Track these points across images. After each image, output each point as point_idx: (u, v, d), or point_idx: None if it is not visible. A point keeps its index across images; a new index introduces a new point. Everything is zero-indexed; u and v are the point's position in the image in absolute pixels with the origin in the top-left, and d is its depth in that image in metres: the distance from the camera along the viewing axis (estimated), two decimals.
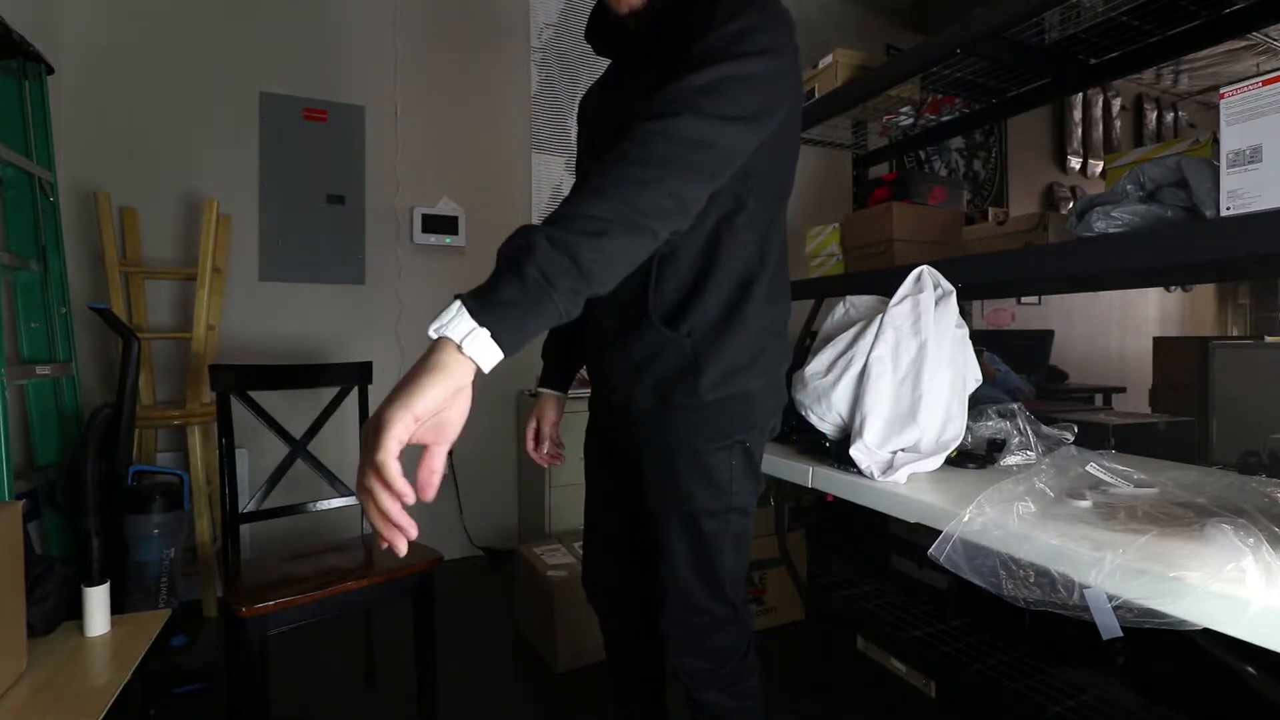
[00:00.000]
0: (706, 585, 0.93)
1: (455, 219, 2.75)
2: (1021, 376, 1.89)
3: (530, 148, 2.94)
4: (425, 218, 2.71)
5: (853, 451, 1.09)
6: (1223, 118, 0.94)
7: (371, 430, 0.54)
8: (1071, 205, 4.23)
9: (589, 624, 1.57)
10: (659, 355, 0.89)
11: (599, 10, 0.95)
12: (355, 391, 1.75)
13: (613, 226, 0.61)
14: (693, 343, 0.87)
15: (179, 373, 2.34)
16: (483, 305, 0.56)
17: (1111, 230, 1.16)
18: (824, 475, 1.17)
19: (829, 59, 1.96)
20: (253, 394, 1.62)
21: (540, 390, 1.20)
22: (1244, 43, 3.92)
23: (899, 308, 1.13)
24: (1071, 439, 1.14)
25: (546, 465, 1.26)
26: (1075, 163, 4.71)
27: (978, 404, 1.22)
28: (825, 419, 1.18)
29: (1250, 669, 1.02)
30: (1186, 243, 1.02)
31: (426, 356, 0.56)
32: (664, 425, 0.92)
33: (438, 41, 2.79)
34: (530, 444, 1.20)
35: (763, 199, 0.88)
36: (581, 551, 1.23)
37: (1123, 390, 3.65)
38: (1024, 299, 4.37)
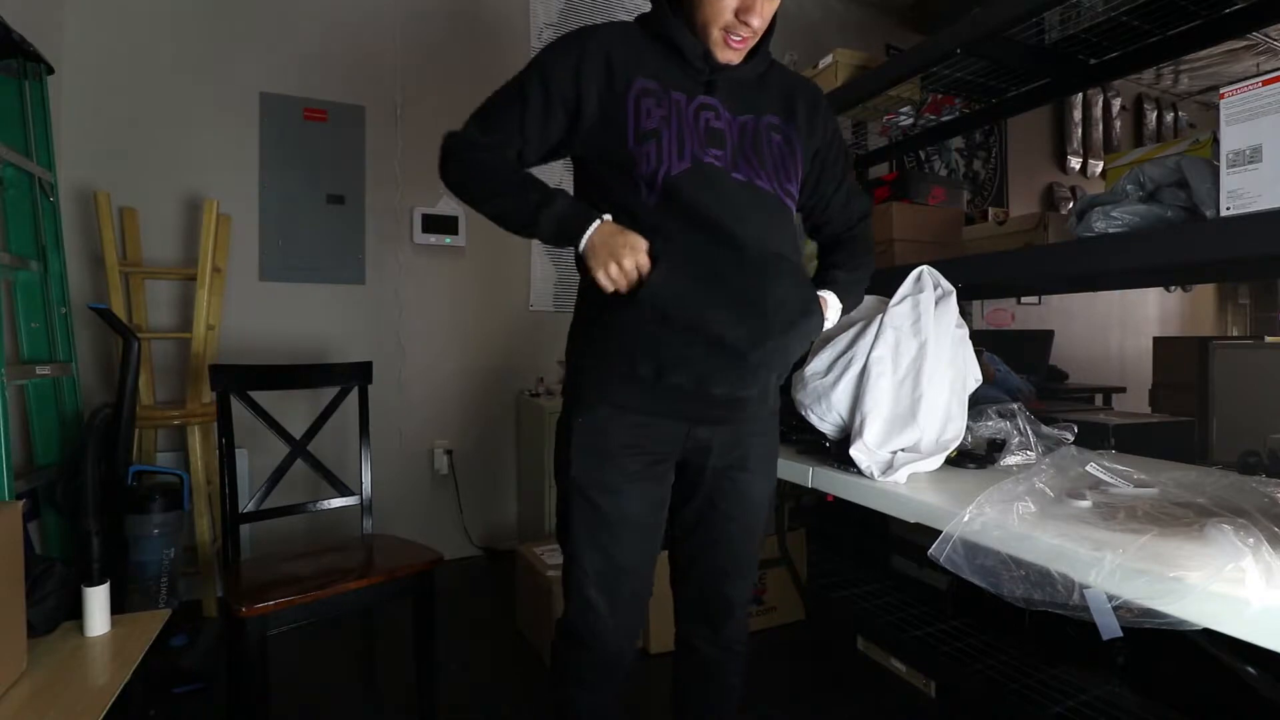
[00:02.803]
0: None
1: (455, 219, 2.75)
2: (1021, 376, 1.89)
3: None
4: (425, 218, 2.71)
5: (853, 451, 1.09)
6: (1223, 118, 0.94)
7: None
8: (1071, 205, 4.23)
9: None
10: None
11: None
12: (355, 391, 1.75)
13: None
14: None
15: (179, 373, 2.34)
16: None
17: (1111, 230, 1.16)
18: (824, 475, 1.17)
19: (829, 59, 1.96)
20: (253, 394, 1.62)
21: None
22: (1244, 43, 3.92)
23: (899, 308, 1.13)
24: (1071, 439, 1.14)
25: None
26: (1075, 163, 4.71)
27: (978, 404, 1.22)
28: (825, 419, 1.18)
29: (1250, 669, 1.02)
30: (1186, 243, 1.03)
31: None
32: (773, 412, 1.09)
33: (438, 41, 2.79)
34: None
35: None
36: (595, 599, 0.98)
37: (1123, 390, 3.65)
38: (1024, 299, 4.37)
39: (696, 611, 1.10)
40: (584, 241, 0.91)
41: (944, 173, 4.10)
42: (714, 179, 0.93)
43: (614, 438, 0.96)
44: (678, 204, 0.91)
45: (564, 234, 0.93)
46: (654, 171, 0.91)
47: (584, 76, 0.93)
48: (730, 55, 0.96)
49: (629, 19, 1.02)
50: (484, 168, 0.96)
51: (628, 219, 0.93)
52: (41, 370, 1.81)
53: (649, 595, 1.03)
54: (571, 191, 1.04)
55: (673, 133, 0.92)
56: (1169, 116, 5.11)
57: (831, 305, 1.05)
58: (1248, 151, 0.91)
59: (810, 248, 2.14)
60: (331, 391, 1.73)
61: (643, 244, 0.89)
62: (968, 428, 1.16)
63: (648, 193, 0.93)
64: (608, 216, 0.92)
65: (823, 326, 1.03)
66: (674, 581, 1.13)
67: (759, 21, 0.92)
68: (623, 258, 0.88)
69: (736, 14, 0.91)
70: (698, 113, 0.95)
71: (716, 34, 0.93)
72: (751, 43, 0.96)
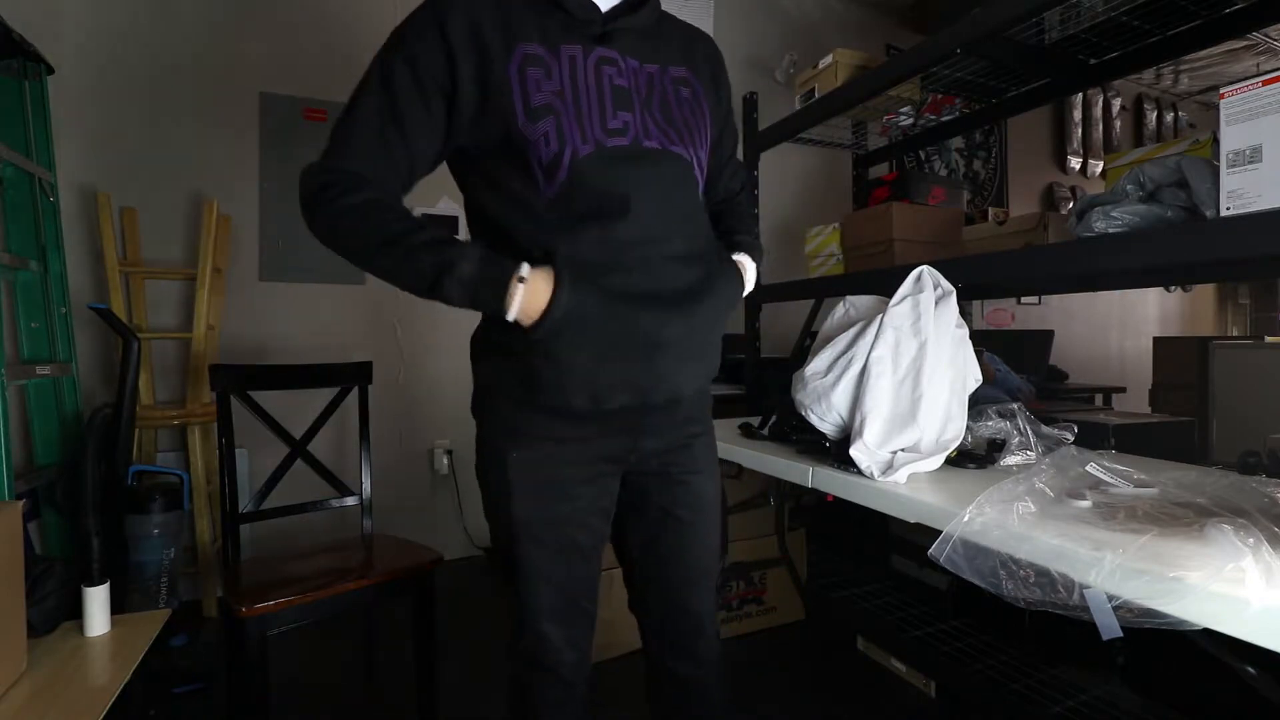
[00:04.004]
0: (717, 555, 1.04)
1: (455, 219, 2.75)
2: (1021, 376, 1.89)
3: None
4: (425, 218, 2.71)
5: (853, 451, 1.09)
6: (1223, 118, 0.94)
7: None
8: (1071, 205, 4.23)
9: None
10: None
11: None
12: (355, 391, 1.75)
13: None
14: None
15: (179, 373, 2.34)
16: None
17: (1111, 230, 1.16)
18: (824, 475, 1.17)
19: (829, 59, 1.96)
20: (253, 394, 1.62)
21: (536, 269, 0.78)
22: (1244, 43, 3.92)
23: (899, 308, 1.13)
24: (1071, 439, 1.14)
25: None
26: (1075, 163, 4.71)
27: (978, 404, 1.22)
28: (825, 419, 1.18)
29: (1250, 669, 1.02)
30: (1186, 243, 1.03)
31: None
32: (708, 409, 1.03)
33: None
34: None
35: None
36: (550, 633, 0.90)
37: (1123, 390, 3.65)
38: (1024, 299, 4.37)
39: (666, 634, 1.00)
40: (512, 313, 0.75)
41: (944, 173, 4.10)
42: (632, 155, 0.81)
43: (558, 469, 0.86)
44: (581, 194, 0.79)
45: (479, 303, 0.77)
46: (556, 156, 0.77)
47: (455, 52, 0.77)
48: None
49: None
50: (354, 220, 0.77)
51: (522, 215, 0.81)
52: (41, 370, 1.81)
53: (596, 610, 0.95)
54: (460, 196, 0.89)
55: (569, 104, 0.78)
56: (1169, 116, 5.11)
57: (749, 268, 0.97)
58: (1248, 151, 0.91)
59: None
60: (331, 392, 1.73)
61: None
62: (968, 428, 1.16)
63: (546, 184, 0.79)
64: (526, 270, 0.75)
65: (742, 293, 0.95)
66: (634, 603, 1.03)
67: None
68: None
69: None
70: (598, 68, 0.81)
71: None
72: None
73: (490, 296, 0.75)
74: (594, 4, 0.84)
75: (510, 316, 0.76)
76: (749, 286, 0.98)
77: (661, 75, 0.88)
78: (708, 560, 1.00)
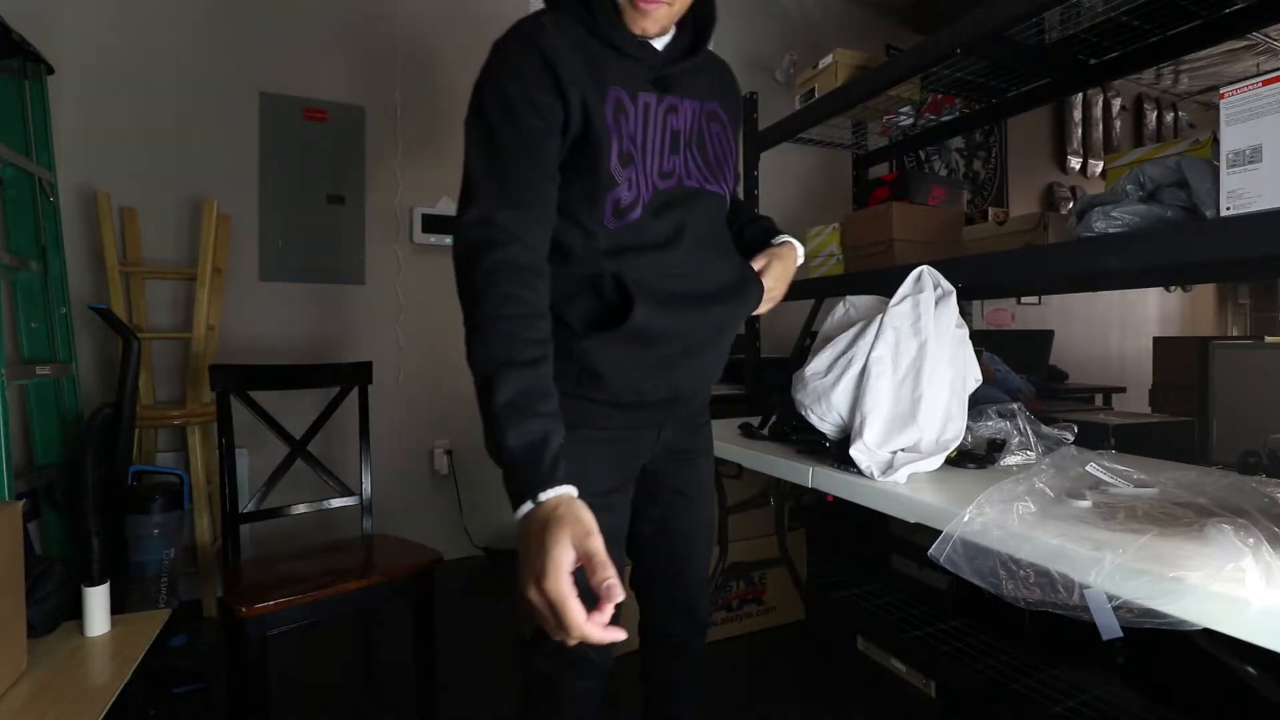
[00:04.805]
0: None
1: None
2: (1021, 376, 1.89)
3: None
4: (425, 218, 2.71)
5: (853, 451, 1.09)
6: (1223, 118, 0.94)
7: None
8: (1071, 205, 4.23)
9: None
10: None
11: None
12: (355, 391, 1.75)
13: None
14: None
15: (179, 373, 2.34)
16: None
17: (1111, 230, 1.16)
18: (824, 475, 1.17)
19: (829, 59, 1.96)
20: (253, 394, 1.62)
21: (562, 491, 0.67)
22: (1244, 43, 3.92)
23: (899, 308, 1.13)
24: (1071, 439, 1.14)
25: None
26: (1075, 163, 4.71)
27: (978, 404, 1.22)
28: (825, 419, 1.18)
29: (1250, 669, 1.02)
30: (1186, 243, 1.02)
31: None
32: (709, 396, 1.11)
33: (438, 41, 2.79)
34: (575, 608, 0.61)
35: None
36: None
37: (1123, 390, 3.65)
38: (1024, 299, 4.37)
39: (671, 599, 1.10)
40: (517, 517, 0.68)
41: (944, 173, 4.10)
42: (677, 198, 0.88)
43: (595, 457, 0.90)
44: (640, 231, 0.84)
45: (505, 479, 0.70)
46: (633, 201, 0.83)
47: (565, 91, 0.79)
48: (644, 23, 0.82)
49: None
50: (494, 328, 0.74)
51: (582, 237, 0.83)
52: (41, 370, 1.81)
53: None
54: None
55: (640, 151, 0.84)
56: (1169, 116, 5.11)
57: (798, 245, 1.06)
58: (1248, 151, 0.91)
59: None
60: (331, 391, 1.73)
61: (563, 572, 0.61)
62: (968, 428, 1.16)
63: (614, 219, 0.83)
64: (552, 495, 0.66)
65: (760, 296, 0.98)
66: (636, 578, 1.09)
67: None
68: (542, 585, 0.61)
69: None
70: (665, 116, 0.87)
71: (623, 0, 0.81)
72: (664, 10, 0.82)
73: (512, 489, 0.69)
74: (653, 47, 0.87)
75: (516, 519, 0.68)
76: (801, 259, 1.07)
77: (701, 111, 0.92)
78: (709, 533, 1.13)
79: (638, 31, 0.83)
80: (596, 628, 0.60)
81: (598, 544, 0.62)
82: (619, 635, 0.61)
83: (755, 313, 0.99)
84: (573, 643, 0.61)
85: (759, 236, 1.07)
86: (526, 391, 0.70)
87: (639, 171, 0.84)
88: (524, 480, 0.67)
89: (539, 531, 0.64)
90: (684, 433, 1.03)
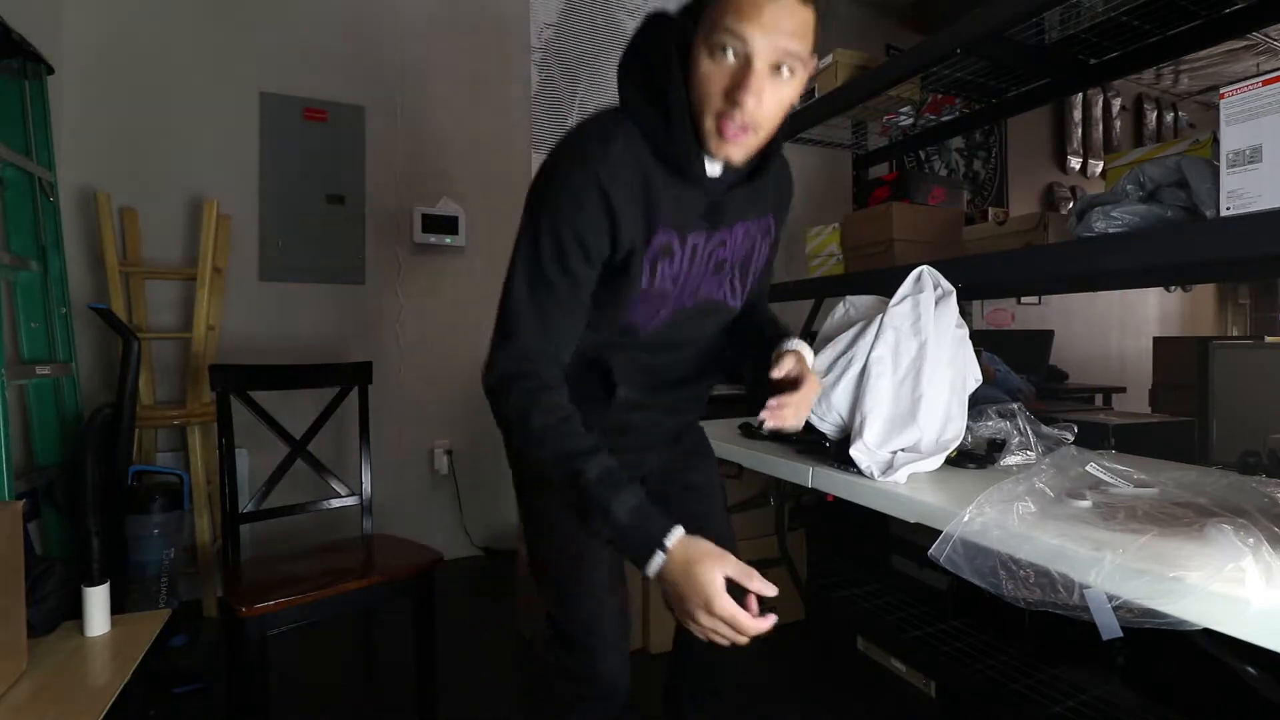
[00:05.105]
0: None
1: (455, 219, 2.75)
2: (1021, 376, 1.89)
3: (530, 148, 2.94)
4: (425, 218, 2.71)
5: (853, 451, 1.09)
6: (1223, 118, 0.94)
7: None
8: (1071, 205, 4.23)
9: None
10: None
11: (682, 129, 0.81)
12: (355, 391, 1.75)
13: None
14: None
15: (179, 373, 2.34)
16: None
17: (1111, 230, 1.16)
18: (824, 475, 1.17)
19: (829, 59, 1.96)
20: (253, 394, 1.62)
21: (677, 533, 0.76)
22: (1244, 43, 3.92)
23: (899, 308, 1.13)
24: (1071, 439, 1.14)
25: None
26: (1075, 163, 4.71)
27: (978, 404, 1.22)
28: (825, 419, 1.18)
29: (1250, 669, 1.02)
30: (1186, 243, 1.03)
31: None
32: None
33: (438, 41, 2.79)
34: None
35: None
36: (594, 634, 0.94)
37: (1123, 390, 3.65)
38: (1024, 299, 4.37)
39: None
40: (652, 574, 0.75)
41: (944, 173, 4.10)
42: (694, 314, 0.91)
43: None
44: (648, 337, 0.90)
45: (622, 546, 0.77)
46: (648, 322, 0.88)
47: (617, 230, 0.80)
48: (729, 150, 0.78)
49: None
50: (539, 443, 0.79)
51: (593, 330, 0.87)
52: (41, 370, 1.81)
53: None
54: None
55: (679, 287, 0.86)
56: (1169, 116, 5.11)
57: (807, 350, 0.96)
58: (1248, 151, 0.91)
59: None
60: (331, 391, 1.73)
61: (723, 593, 0.72)
62: (968, 428, 1.16)
63: (624, 326, 0.88)
64: (673, 540, 0.74)
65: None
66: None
67: (754, 102, 0.73)
68: (713, 609, 0.72)
69: (726, 94, 0.74)
70: (712, 252, 0.88)
71: (710, 123, 0.77)
72: (752, 138, 0.77)
73: (635, 553, 0.76)
74: (713, 176, 0.84)
75: (649, 574, 0.76)
76: (810, 361, 0.98)
77: (755, 230, 0.93)
78: (722, 533, 1.08)
79: (720, 158, 0.80)
80: (761, 623, 0.73)
81: (734, 561, 0.74)
82: (771, 620, 0.74)
83: (775, 426, 0.90)
84: (744, 641, 0.73)
85: (774, 341, 0.99)
86: (605, 470, 0.76)
87: (667, 302, 0.87)
88: (645, 539, 0.75)
89: (684, 570, 0.73)
90: (670, 456, 1.07)
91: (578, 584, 0.94)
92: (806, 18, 0.76)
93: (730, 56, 0.74)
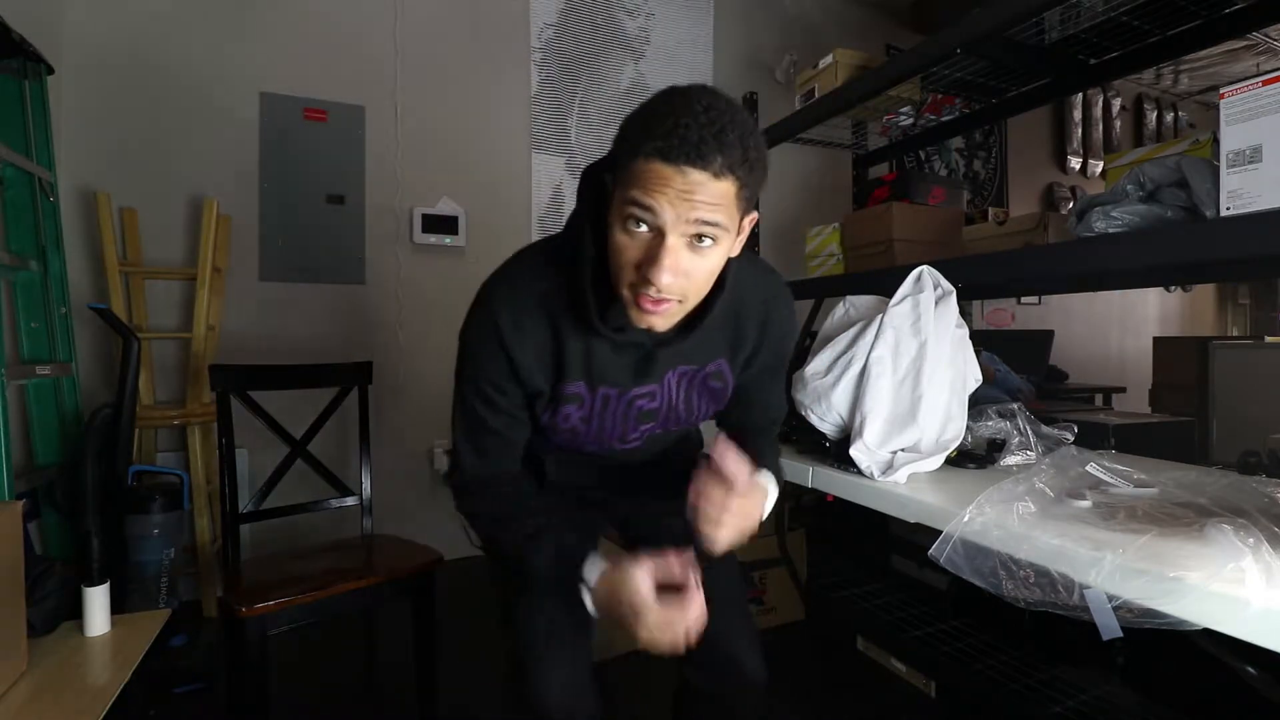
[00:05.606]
0: None
1: (455, 219, 2.75)
2: (1021, 376, 1.89)
3: (530, 148, 2.94)
4: (425, 218, 2.71)
5: (853, 451, 1.09)
6: (1223, 118, 0.94)
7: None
8: (1071, 205, 4.23)
9: None
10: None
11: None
12: (355, 391, 1.75)
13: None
14: None
15: (179, 373, 2.34)
16: None
17: (1111, 230, 1.16)
18: (824, 475, 1.17)
19: (829, 59, 1.96)
20: (253, 394, 1.62)
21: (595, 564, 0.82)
22: (1244, 43, 3.91)
23: (899, 308, 1.13)
24: (1071, 439, 1.14)
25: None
26: (1075, 163, 4.70)
27: (978, 404, 1.22)
28: (825, 419, 1.18)
29: (1250, 669, 1.02)
30: (1186, 243, 1.02)
31: None
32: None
33: (438, 41, 2.79)
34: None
35: None
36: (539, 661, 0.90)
37: (1123, 390, 3.65)
38: (1024, 299, 4.37)
39: (712, 655, 0.95)
40: (594, 612, 0.81)
41: (944, 173, 4.10)
42: (620, 445, 0.94)
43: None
44: (581, 450, 0.95)
45: (566, 596, 0.83)
46: (569, 444, 0.94)
47: (526, 379, 0.84)
48: (650, 321, 0.74)
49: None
50: (487, 530, 0.95)
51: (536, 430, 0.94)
52: (41, 370, 1.81)
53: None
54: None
55: (592, 429, 0.89)
56: (1169, 116, 5.10)
57: (771, 492, 0.91)
58: (1248, 151, 0.91)
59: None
60: (331, 391, 1.73)
61: (642, 600, 0.74)
62: (968, 428, 1.16)
63: (556, 446, 0.97)
64: (592, 572, 0.80)
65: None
66: None
67: (669, 278, 0.68)
68: (649, 629, 0.74)
69: (638, 268, 0.69)
70: (630, 404, 0.88)
71: (627, 294, 0.73)
72: (675, 307, 0.73)
73: (570, 591, 0.82)
74: (635, 338, 0.81)
75: (593, 614, 0.81)
76: (771, 502, 0.92)
77: (697, 375, 0.91)
78: (734, 571, 1.12)
79: (643, 327, 0.76)
80: (693, 610, 0.74)
81: (651, 562, 0.76)
82: (698, 601, 0.75)
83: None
84: (692, 640, 0.75)
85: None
86: (527, 535, 0.86)
87: (587, 437, 0.91)
88: (570, 582, 0.81)
89: (613, 594, 0.77)
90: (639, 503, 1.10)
91: (529, 606, 0.93)
92: (725, 188, 0.67)
93: (642, 228, 0.68)
